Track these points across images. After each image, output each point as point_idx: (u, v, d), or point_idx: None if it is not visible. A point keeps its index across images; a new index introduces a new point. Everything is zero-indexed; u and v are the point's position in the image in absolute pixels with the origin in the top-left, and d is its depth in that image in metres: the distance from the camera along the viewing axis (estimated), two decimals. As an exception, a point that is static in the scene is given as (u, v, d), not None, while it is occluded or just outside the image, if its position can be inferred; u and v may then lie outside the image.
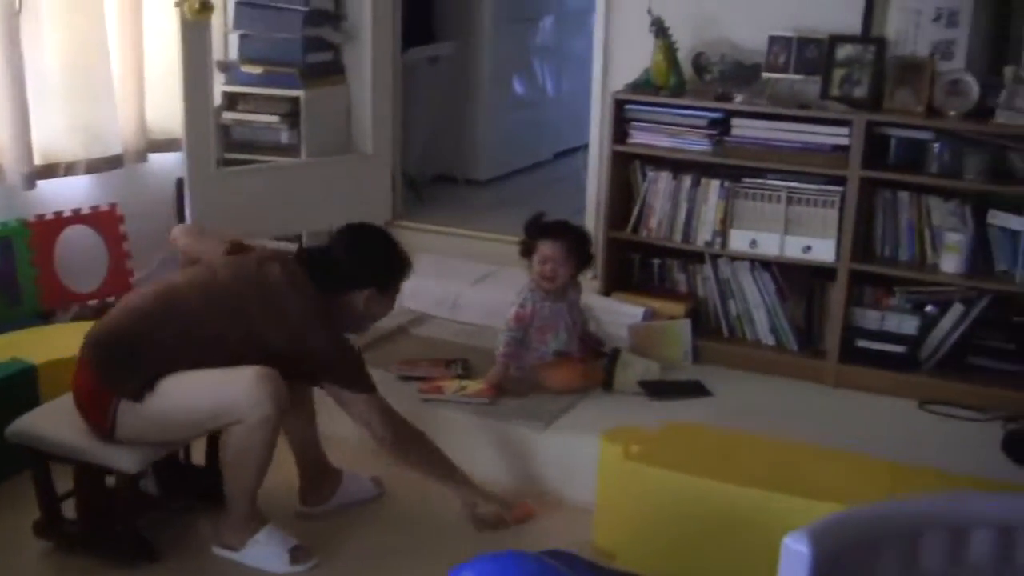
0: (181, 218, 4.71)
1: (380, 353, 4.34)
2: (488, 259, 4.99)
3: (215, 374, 3.03)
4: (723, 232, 4.27)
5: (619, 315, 4.35)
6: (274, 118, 4.89)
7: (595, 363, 4.06)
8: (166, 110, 4.67)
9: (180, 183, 4.64)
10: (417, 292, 4.71)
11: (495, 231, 5.06)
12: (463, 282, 4.81)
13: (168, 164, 4.89)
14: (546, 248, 3.88)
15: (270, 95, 4.89)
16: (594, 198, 4.72)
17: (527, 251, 3.95)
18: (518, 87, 6.90)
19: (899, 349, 4.11)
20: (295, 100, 4.86)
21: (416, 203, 5.73)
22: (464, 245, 5.20)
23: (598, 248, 4.43)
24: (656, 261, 4.54)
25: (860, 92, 4.13)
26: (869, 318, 4.16)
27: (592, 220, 4.71)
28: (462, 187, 6.33)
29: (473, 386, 3.92)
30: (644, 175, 4.42)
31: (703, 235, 4.32)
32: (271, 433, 3.02)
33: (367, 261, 3.18)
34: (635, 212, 4.42)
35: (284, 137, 4.90)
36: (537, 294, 3.93)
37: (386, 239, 3.29)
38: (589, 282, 4.48)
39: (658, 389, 4.00)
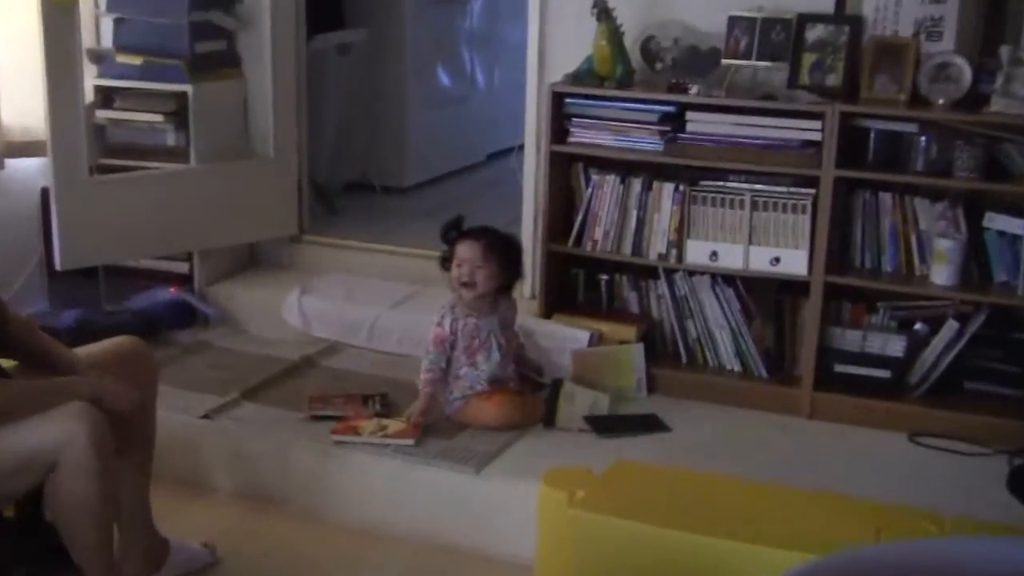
0: (47, 234, 4.58)
1: (286, 388, 4.31)
2: (410, 278, 4.95)
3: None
4: (679, 243, 4.24)
5: (561, 340, 4.31)
6: (157, 117, 4.81)
7: (533, 396, 4.06)
8: (27, 108, 4.58)
9: (45, 193, 4.57)
10: (328, 317, 4.79)
11: (418, 245, 4.97)
12: (381, 305, 4.76)
13: (31, 171, 4.82)
14: (462, 250, 3.91)
15: (152, 90, 4.79)
16: (531, 206, 4.70)
17: (446, 260, 3.99)
18: (444, 79, 6.82)
19: (884, 374, 4.08)
20: (182, 96, 4.77)
21: (327, 215, 5.69)
22: (383, 262, 5.15)
23: (535, 263, 4.51)
24: (603, 277, 4.48)
25: (833, 80, 4.11)
26: (848, 339, 4.12)
27: (529, 231, 4.70)
28: (380, 195, 6.26)
29: (395, 425, 3.89)
30: (588, 179, 4.37)
31: (656, 247, 4.29)
32: (97, 477, 2.87)
33: None
34: (578, 221, 4.38)
35: (170, 139, 4.83)
36: (458, 310, 3.94)
37: None
38: (526, 303, 4.50)
39: (607, 425, 3.96)
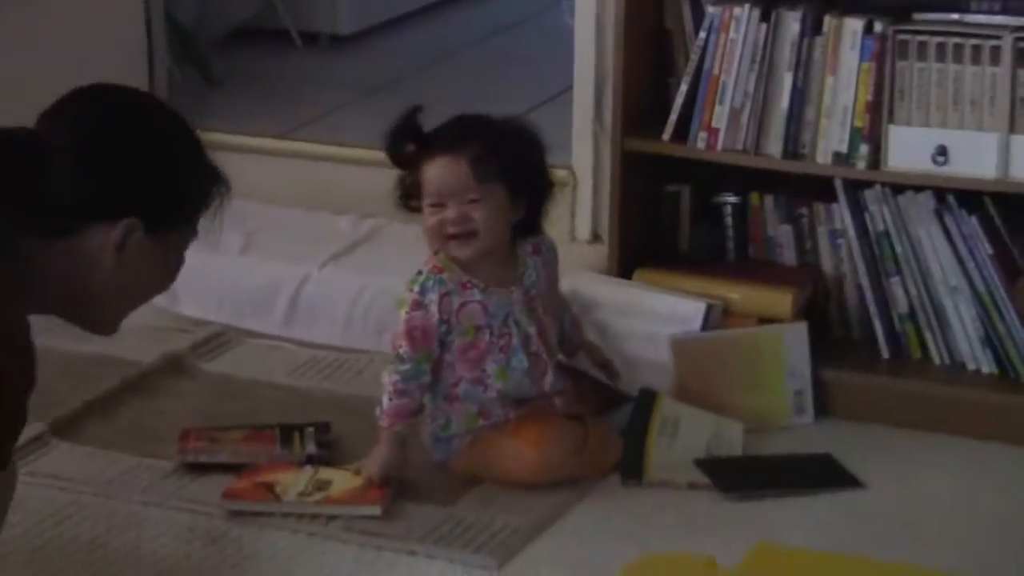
0: None
1: (133, 415, 3.32)
2: (363, 203, 3.85)
3: None
4: (873, 131, 3.29)
5: (652, 318, 3.36)
6: None
7: (601, 422, 3.13)
8: None
9: None
10: (210, 281, 3.74)
11: (374, 144, 3.59)
12: (308, 257, 3.71)
13: None
14: (434, 174, 2.93)
15: None
16: (590, 67, 3.69)
17: (407, 195, 3.02)
18: None
19: None
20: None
21: (200, 85, 4.61)
22: (304, 175, 4.01)
23: (598, 175, 3.64)
24: (728, 200, 3.48)
25: None
26: None
27: (585, 111, 3.72)
28: (297, 50, 5.09)
29: (342, 482, 3.00)
30: (697, 11, 3.43)
31: (830, 140, 3.33)
32: None
33: (110, 162, 2.34)
34: (680, 96, 3.34)
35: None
36: (450, 278, 2.96)
37: (155, 114, 2.41)
38: (581, 250, 3.66)
39: (739, 475, 3.15)
